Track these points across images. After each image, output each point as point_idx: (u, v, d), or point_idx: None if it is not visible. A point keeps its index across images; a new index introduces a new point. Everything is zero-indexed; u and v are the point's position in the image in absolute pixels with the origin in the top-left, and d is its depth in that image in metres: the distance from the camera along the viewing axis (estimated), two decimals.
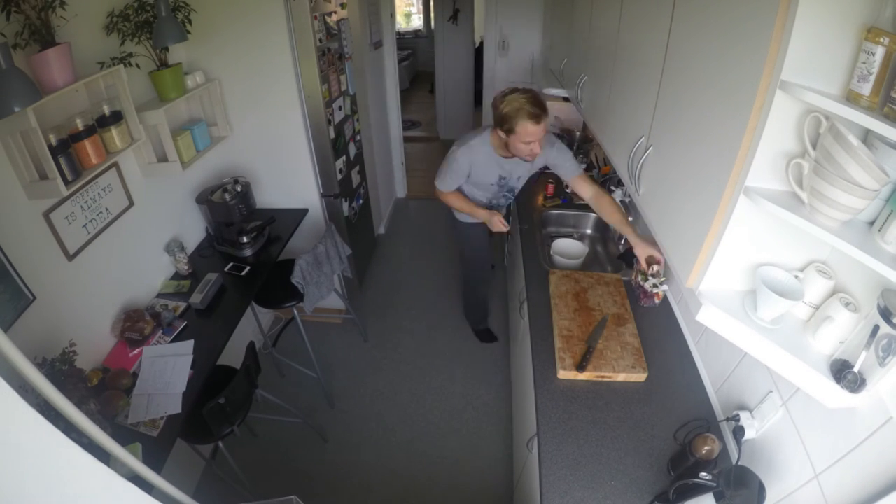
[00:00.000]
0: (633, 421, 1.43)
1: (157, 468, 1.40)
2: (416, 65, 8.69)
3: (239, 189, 2.39)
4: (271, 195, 2.79)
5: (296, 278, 2.22)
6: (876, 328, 0.82)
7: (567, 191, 2.72)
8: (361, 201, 3.31)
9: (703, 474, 1.10)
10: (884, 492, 0.82)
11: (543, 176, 2.95)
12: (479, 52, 5.44)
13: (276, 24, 2.26)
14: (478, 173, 2.19)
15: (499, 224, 2.22)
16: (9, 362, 0.62)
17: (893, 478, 0.82)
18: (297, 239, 2.69)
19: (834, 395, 0.90)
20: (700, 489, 1.10)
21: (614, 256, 2.28)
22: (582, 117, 2.96)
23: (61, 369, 1.48)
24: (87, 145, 1.59)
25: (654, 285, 1.74)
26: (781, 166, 0.88)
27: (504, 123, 1.88)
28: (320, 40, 2.40)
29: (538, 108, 1.82)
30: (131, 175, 1.97)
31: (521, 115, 1.81)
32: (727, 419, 1.33)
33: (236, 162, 2.67)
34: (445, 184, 2.23)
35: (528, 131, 1.84)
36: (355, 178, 3.15)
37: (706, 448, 1.18)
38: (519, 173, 2.26)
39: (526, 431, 1.86)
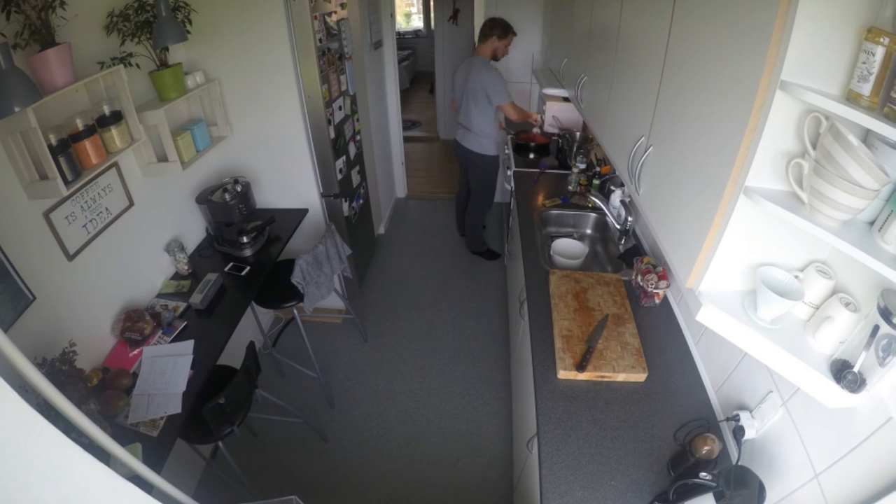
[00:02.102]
0: (633, 421, 1.43)
1: (157, 468, 1.40)
2: (416, 65, 8.69)
3: (239, 189, 2.39)
4: (271, 195, 2.79)
5: (296, 278, 2.22)
6: (876, 328, 0.82)
7: (571, 191, 2.72)
8: (361, 201, 3.31)
9: (703, 474, 1.10)
10: (884, 492, 0.82)
11: (544, 177, 2.96)
12: None
13: (276, 25, 2.26)
14: None
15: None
16: (9, 362, 0.62)
17: (893, 478, 0.82)
18: (297, 239, 2.69)
19: (834, 395, 0.90)
20: (700, 489, 1.10)
21: (614, 256, 2.28)
22: (582, 117, 2.97)
23: (61, 369, 1.48)
24: (87, 145, 1.59)
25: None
26: (781, 166, 0.88)
27: (509, 32, 3.09)
28: (320, 40, 2.40)
29: None
30: (131, 175, 1.97)
31: (512, 27, 3.10)
32: (727, 419, 1.33)
33: (236, 162, 2.67)
34: (508, 93, 3.04)
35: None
36: (355, 178, 3.15)
37: (706, 448, 1.18)
38: None
39: (526, 431, 1.86)
